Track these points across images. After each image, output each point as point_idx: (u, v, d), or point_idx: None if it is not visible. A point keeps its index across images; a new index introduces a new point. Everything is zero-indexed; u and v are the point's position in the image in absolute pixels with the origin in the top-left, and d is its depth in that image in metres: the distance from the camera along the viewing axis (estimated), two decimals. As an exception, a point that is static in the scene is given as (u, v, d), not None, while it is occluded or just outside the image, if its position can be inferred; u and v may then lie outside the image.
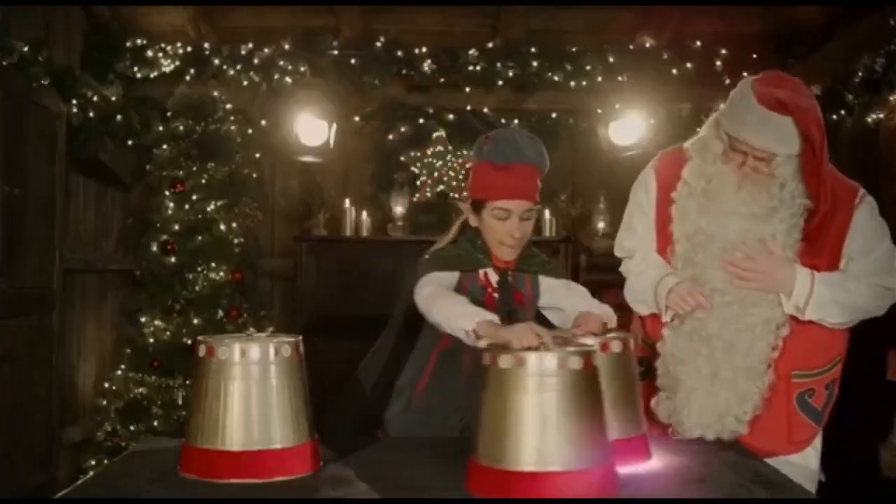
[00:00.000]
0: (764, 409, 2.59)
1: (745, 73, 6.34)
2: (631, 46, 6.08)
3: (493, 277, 2.58)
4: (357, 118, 6.21)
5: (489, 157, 2.52)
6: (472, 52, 5.99)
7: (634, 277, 2.80)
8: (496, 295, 2.56)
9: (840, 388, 2.72)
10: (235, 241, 5.50)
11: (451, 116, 6.16)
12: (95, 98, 5.21)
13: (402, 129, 6.17)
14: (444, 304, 2.32)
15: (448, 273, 2.53)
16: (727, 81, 5.76)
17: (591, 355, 1.92)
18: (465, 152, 6.15)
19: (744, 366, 2.55)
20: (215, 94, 5.69)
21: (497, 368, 1.90)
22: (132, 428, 5.16)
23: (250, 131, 5.98)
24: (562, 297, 2.65)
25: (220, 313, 5.34)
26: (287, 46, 5.89)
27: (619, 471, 1.98)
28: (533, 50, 5.99)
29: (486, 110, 6.25)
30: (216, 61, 5.86)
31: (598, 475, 1.87)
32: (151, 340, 5.29)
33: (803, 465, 2.65)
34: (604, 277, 4.50)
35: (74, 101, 5.04)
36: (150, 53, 5.76)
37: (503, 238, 2.52)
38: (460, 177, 6.15)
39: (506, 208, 2.49)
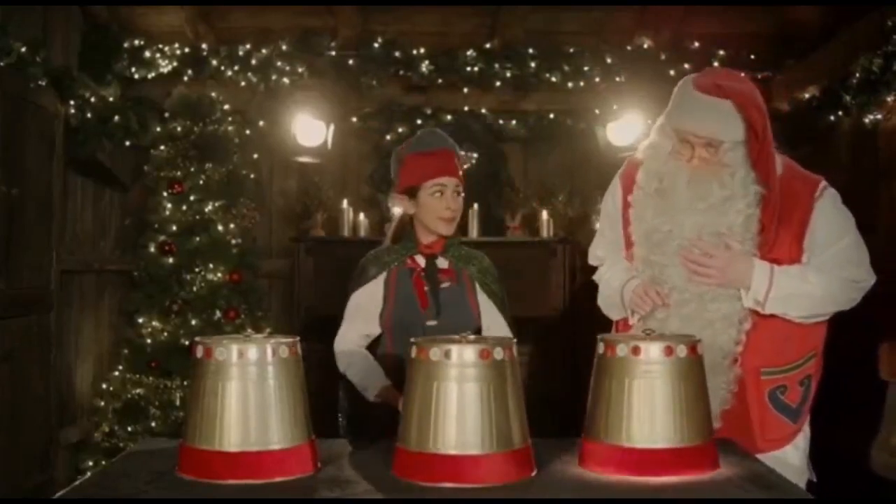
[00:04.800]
0: (736, 406, 2.58)
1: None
2: (629, 47, 6.09)
3: (421, 261, 2.95)
4: (355, 119, 6.22)
5: (416, 149, 2.93)
6: (470, 52, 6.00)
7: (604, 284, 2.82)
8: (423, 274, 2.93)
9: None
10: (233, 241, 5.49)
11: (449, 117, 6.16)
12: (93, 98, 5.21)
13: (400, 130, 6.17)
14: (353, 372, 2.90)
15: (370, 285, 2.95)
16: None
17: (511, 346, 2.05)
18: (463, 153, 6.14)
19: (707, 362, 2.55)
20: (213, 94, 5.69)
21: (425, 360, 2.02)
22: (130, 428, 5.15)
23: (248, 132, 5.98)
24: (486, 320, 2.98)
25: (218, 314, 5.33)
26: (285, 47, 5.89)
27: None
28: (531, 51, 6.00)
29: (484, 111, 6.26)
30: (214, 62, 5.87)
31: (515, 456, 2.00)
32: (149, 341, 5.28)
33: (782, 463, 2.63)
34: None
35: (72, 102, 5.04)
36: (147, 54, 5.76)
37: (441, 212, 2.88)
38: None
39: (442, 183, 2.87)
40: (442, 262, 2.96)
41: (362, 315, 2.96)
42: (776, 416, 2.64)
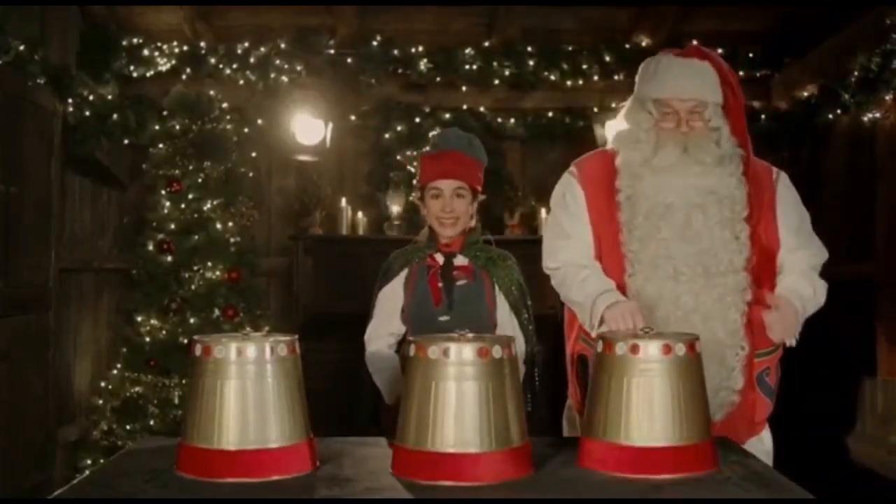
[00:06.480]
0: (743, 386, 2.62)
1: (740, 73, 6.37)
2: (627, 45, 6.09)
3: (440, 259, 3.01)
4: (353, 117, 6.21)
5: (428, 151, 3.06)
6: (468, 50, 6.00)
7: (577, 285, 2.68)
8: (439, 271, 2.99)
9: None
10: (232, 240, 5.49)
11: (447, 115, 6.16)
12: (92, 97, 5.21)
13: (399, 128, 6.17)
14: (379, 378, 2.99)
15: (394, 281, 3.02)
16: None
17: (510, 345, 2.05)
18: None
19: (724, 334, 2.57)
20: (211, 92, 5.68)
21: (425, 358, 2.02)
22: (128, 427, 5.15)
23: (246, 130, 5.98)
24: (501, 324, 3.02)
25: (217, 312, 5.33)
26: (283, 45, 5.89)
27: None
28: (529, 49, 6.00)
29: (482, 109, 6.25)
30: (212, 60, 5.86)
31: (513, 454, 2.00)
32: (147, 339, 5.27)
33: (762, 447, 2.69)
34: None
35: (71, 100, 5.04)
36: (146, 52, 5.76)
37: (439, 214, 2.94)
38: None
39: (437, 187, 2.93)
40: (461, 260, 3.02)
41: (387, 311, 3.04)
42: (762, 398, 2.70)
